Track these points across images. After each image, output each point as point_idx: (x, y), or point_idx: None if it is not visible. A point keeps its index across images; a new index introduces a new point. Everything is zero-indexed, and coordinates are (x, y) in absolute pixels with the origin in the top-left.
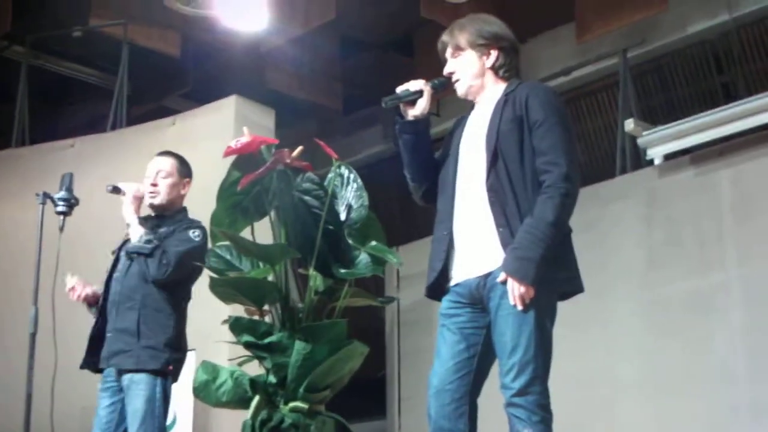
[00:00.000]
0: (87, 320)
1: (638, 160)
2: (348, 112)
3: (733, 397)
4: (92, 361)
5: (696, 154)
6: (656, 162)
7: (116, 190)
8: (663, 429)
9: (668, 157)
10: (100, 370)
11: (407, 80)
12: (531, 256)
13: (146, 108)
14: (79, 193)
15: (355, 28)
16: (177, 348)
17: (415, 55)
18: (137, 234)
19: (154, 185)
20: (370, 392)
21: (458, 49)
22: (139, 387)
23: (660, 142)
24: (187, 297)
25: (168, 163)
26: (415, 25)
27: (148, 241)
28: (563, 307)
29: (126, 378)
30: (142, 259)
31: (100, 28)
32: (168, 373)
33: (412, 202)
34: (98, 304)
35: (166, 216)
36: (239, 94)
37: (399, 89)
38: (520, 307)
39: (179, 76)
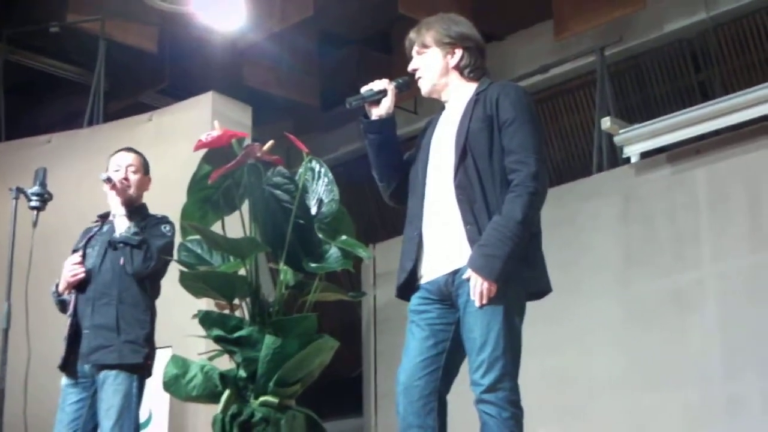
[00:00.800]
0: (60, 316)
1: (615, 158)
2: (326, 108)
3: (709, 393)
4: (72, 361)
5: (672, 153)
6: (633, 160)
7: (109, 180)
8: (639, 425)
9: (645, 155)
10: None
11: (385, 77)
12: (497, 254)
13: (123, 104)
14: (55, 188)
15: (332, 24)
16: (152, 343)
17: (393, 52)
18: (125, 225)
19: (126, 179)
20: (346, 390)
21: (424, 46)
22: (116, 382)
23: (636, 140)
24: (157, 293)
25: (136, 159)
26: (393, 22)
27: (136, 233)
28: (539, 304)
29: (102, 374)
30: (128, 249)
31: (77, 23)
32: (146, 368)
33: None
34: (69, 301)
35: (131, 211)
36: (216, 90)
37: (363, 89)
38: (477, 304)
39: (156, 72)
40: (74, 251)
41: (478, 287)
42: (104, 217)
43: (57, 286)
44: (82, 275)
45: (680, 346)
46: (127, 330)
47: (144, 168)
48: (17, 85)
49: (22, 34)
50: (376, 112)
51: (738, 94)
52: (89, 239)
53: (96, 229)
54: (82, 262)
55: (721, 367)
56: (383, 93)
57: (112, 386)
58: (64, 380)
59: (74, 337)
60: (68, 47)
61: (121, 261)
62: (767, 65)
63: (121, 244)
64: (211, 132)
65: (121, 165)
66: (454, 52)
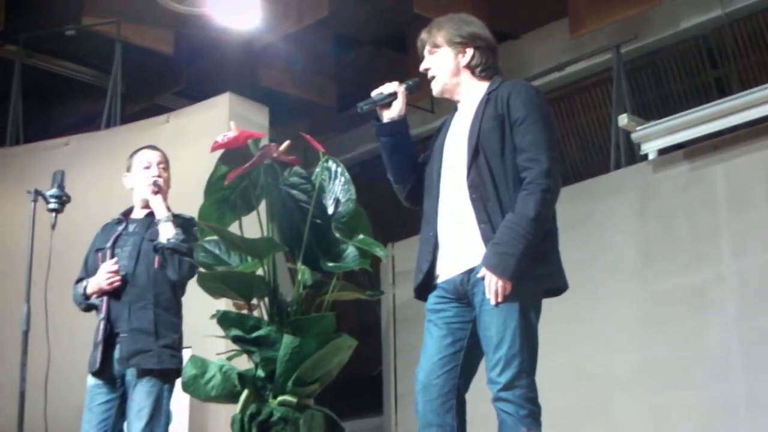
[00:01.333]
0: (79, 317)
1: (632, 155)
2: (342, 109)
3: (729, 390)
4: (108, 366)
5: (690, 149)
6: (650, 157)
7: (155, 184)
8: (658, 423)
9: (662, 151)
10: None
11: (401, 77)
12: (511, 252)
13: (140, 106)
14: (73, 191)
15: (348, 25)
16: (182, 347)
17: (408, 52)
18: (171, 231)
19: (160, 177)
20: (366, 389)
21: (435, 46)
22: (149, 384)
23: (654, 137)
24: (183, 295)
25: (164, 156)
26: (408, 22)
27: (185, 240)
28: (557, 302)
29: (136, 377)
30: (176, 256)
31: (93, 26)
32: (180, 372)
33: None
34: (100, 305)
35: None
36: (233, 91)
37: (373, 93)
38: (493, 302)
39: (173, 74)
40: (98, 250)
41: (492, 286)
42: (127, 215)
43: (84, 288)
44: (118, 283)
45: (699, 343)
46: (165, 334)
47: (169, 168)
48: (34, 88)
49: (38, 37)
50: (388, 115)
51: (755, 90)
52: (116, 239)
53: (121, 228)
54: (117, 270)
55: (740, 364)
56: (393, 96)
57: (145, 388)
58: (91, 380)
59: (109, 340)
60: (85, 50)
61: (156, 263)
62: None
63: (169, 251)
64: (227, 133)
65: (152, 162)
66: (465, 52)
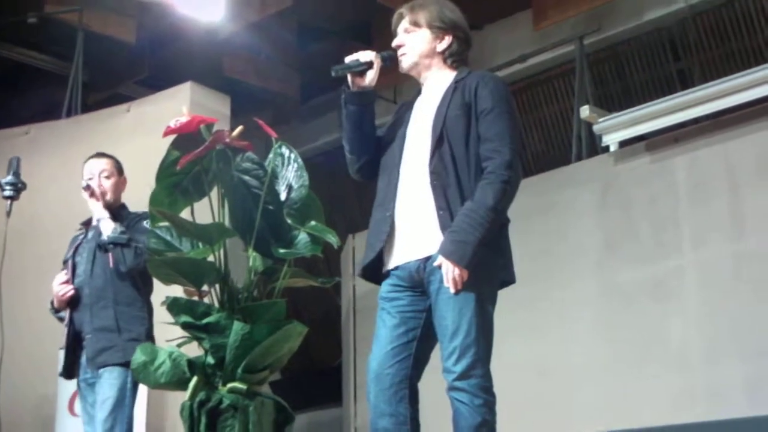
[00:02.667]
0: (35, 307)
1: (594, 146)
2: (305, 99)
3: (690, 380)
4: (74, 367)
5: (651, 141)
6: (612, 148)
7: (88, 188)
8: (618, 413)
9: (624, 143)
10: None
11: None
12: (468, 240)
13: (102, 95)
14: (33, 179)
15: (312, 15)
16: (152, 338)
17: (373, 43)
18: (110, 226)
19: (102, 186)
20: (327, 380)
21: (415, 24)
22: (112, 376)
23: (615, 129)
24: (151, 289)
25: (108, 164)
26: (372, 13)
27: (123, 232)
28: (518, 292)
29: (101, 370)
30: (119, 249)
31: (55, 14)
32: None
33: (368, 189)
34: (65, 310)
35: (114, 214)
36: (195, 81)
37: (348, 59)
38: (452, 291)
39: (135, 63)
40: (64, 262)
41: (449, 274)
42: (87, 224)
43: (52, 303)
44: (72, 293)
45: (660, 333)
46: (128, 328)
47: (118, 170)
48: None
49: None
50: (360, 83)
51: (716, 82)
52: (76, 248)
53: (81, 237)
54: (68, 280)
55: (702, 354)
56: (369, 65)
57: (108, 380)
58: (79, 379)
59: (73, 344)
60: (46, 38)
61: (111, 262)
62: (746, 54)
63: (111, 245)
64: (179, 118)
65: (94, 173)
66: (443, 38)
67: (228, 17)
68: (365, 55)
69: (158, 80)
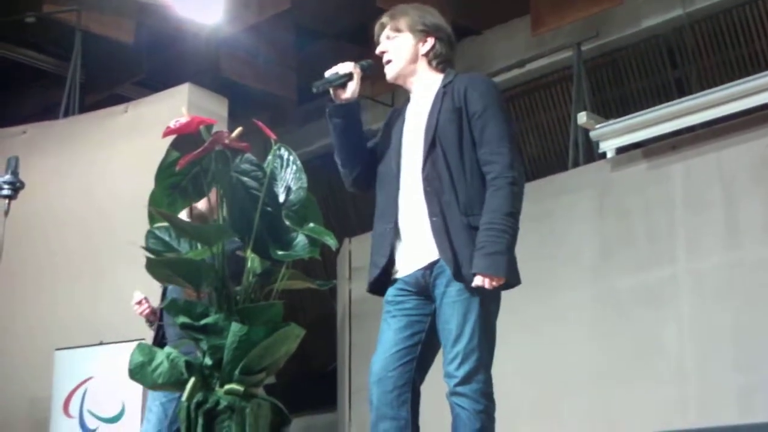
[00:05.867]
0: (32, 305)
1: (591, 153)
2: (302, 101)
3: (683, 388)
4: None
5: (648, 148)
6: (609, 155)
7: None
8: (611, 421)
9: (621, 150)
10: None
11: None
12: (498, 249)
13: (99, 95)
14: (30, 179)
15: (309, 17)
16: None
17: (370, 45)
18: None
19: None
20: (321, 385)
21: (397, 30)
22: None
23: (612, 136)
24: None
25: None
26: (369, 15)
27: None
28: (514, 298)
29: None
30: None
31: (53, 14)
32: None
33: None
34: (157, 320)
35: None
36: (193, 82)
37: (328, 73)
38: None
39: (133, 63)
40: None
41: (489, 287)
42: None
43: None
44: (147, 311)
45: (654, 340)
46: None
47: None
48: None
49: None
50: (343, 96)
51: (714, 90)
52: None
53: None
54: (142, 300)
55: (695, 363)
56: (349, 77)
57: None
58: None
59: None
60: (45, 38)
61: None
62: (743, 62)
63: None
64: (179, 119)
65: None
66: (426, 41)
67: (226, 19)
68: (344, 67)
69: (156, 81)
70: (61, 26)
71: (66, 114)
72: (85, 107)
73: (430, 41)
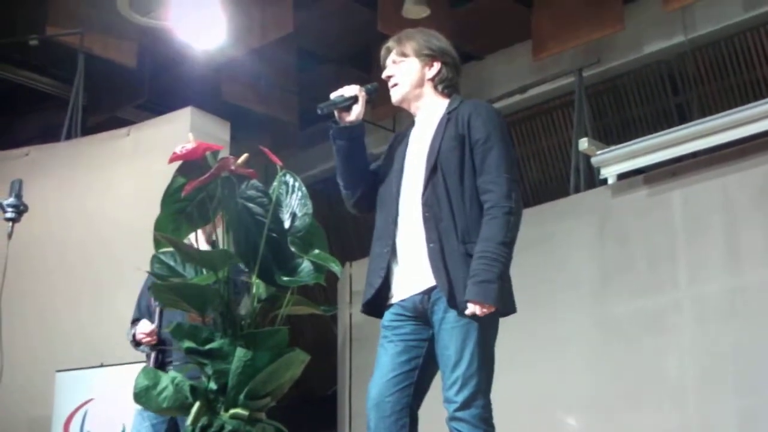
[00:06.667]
0: (34, 328)
1: (592, 178)
2: (304, 126)
3: (685, 414)
4: None
5: (649, 174)
6: (610, 181)
7: None
8: None
9: (622, 176)
10: None
11: None
12: (488, 278)
13: (101, 118)
14: (32, 201)
15: (312, 41)
16: None
17: (372, 70)
18: None
19: None
20: (321, 408)
21: (403, 55)
22: None
23: (614, 162)
24: None
25: None
26: (372, 40)
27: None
28: (514, 323)
29: None
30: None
31: (56, 37)
32: None
33: (365, 217)
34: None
35: None
36: (195, 105)
37: (333, 95)
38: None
39: (135, 86)
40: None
41: (480, 314)
42: None
43: (134, 334)
44: (153, 342)
45: (656, 366)
46: None
47: None
48: None
49: (0, 46)
50: (347, 119)
51: (715, 116)
52: None
53: None
54: (152, 332)
55: (696, 389)
56: (354, 99)
57: None
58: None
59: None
60: (47, 61)
61: None
62: (744, 88)
63: None
64: (185, 144)
65: None
66: (432, 65)
67: (228, 43)
68: (350, 90)
69: (158, 104)
70: (64, 49)
71: (68, 136)
72: (87, 129)
73: (437, 66)
